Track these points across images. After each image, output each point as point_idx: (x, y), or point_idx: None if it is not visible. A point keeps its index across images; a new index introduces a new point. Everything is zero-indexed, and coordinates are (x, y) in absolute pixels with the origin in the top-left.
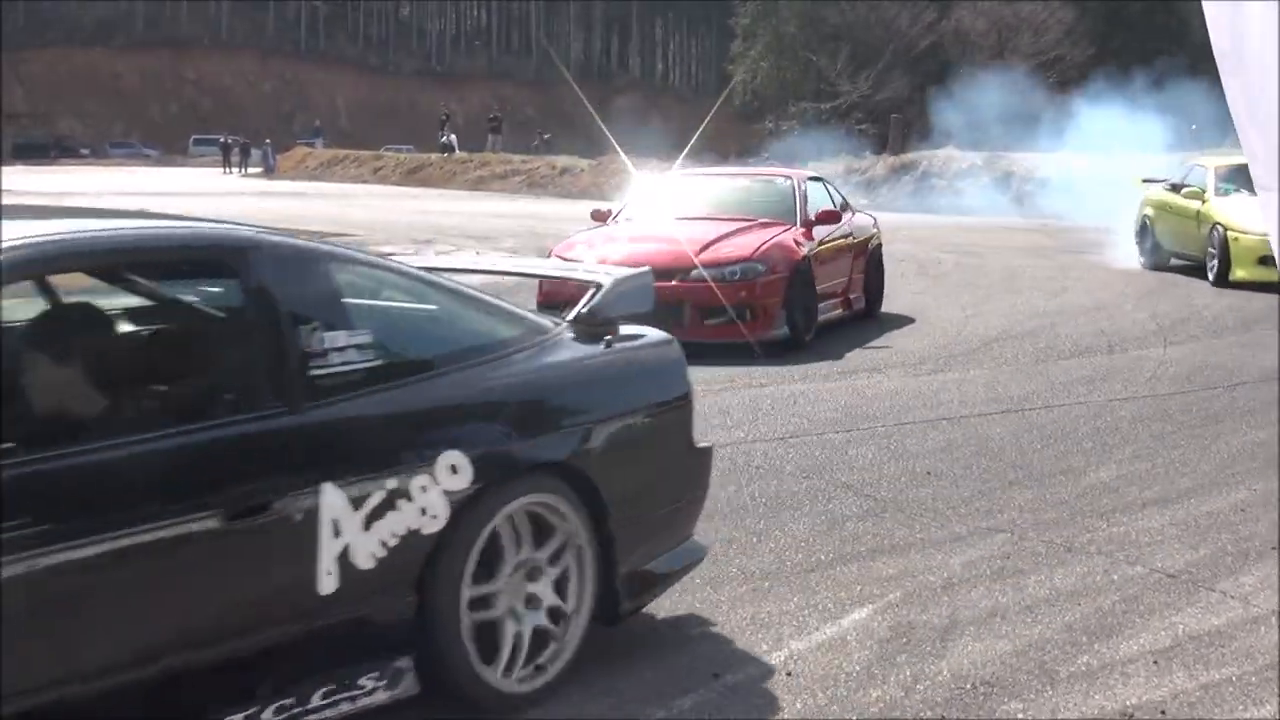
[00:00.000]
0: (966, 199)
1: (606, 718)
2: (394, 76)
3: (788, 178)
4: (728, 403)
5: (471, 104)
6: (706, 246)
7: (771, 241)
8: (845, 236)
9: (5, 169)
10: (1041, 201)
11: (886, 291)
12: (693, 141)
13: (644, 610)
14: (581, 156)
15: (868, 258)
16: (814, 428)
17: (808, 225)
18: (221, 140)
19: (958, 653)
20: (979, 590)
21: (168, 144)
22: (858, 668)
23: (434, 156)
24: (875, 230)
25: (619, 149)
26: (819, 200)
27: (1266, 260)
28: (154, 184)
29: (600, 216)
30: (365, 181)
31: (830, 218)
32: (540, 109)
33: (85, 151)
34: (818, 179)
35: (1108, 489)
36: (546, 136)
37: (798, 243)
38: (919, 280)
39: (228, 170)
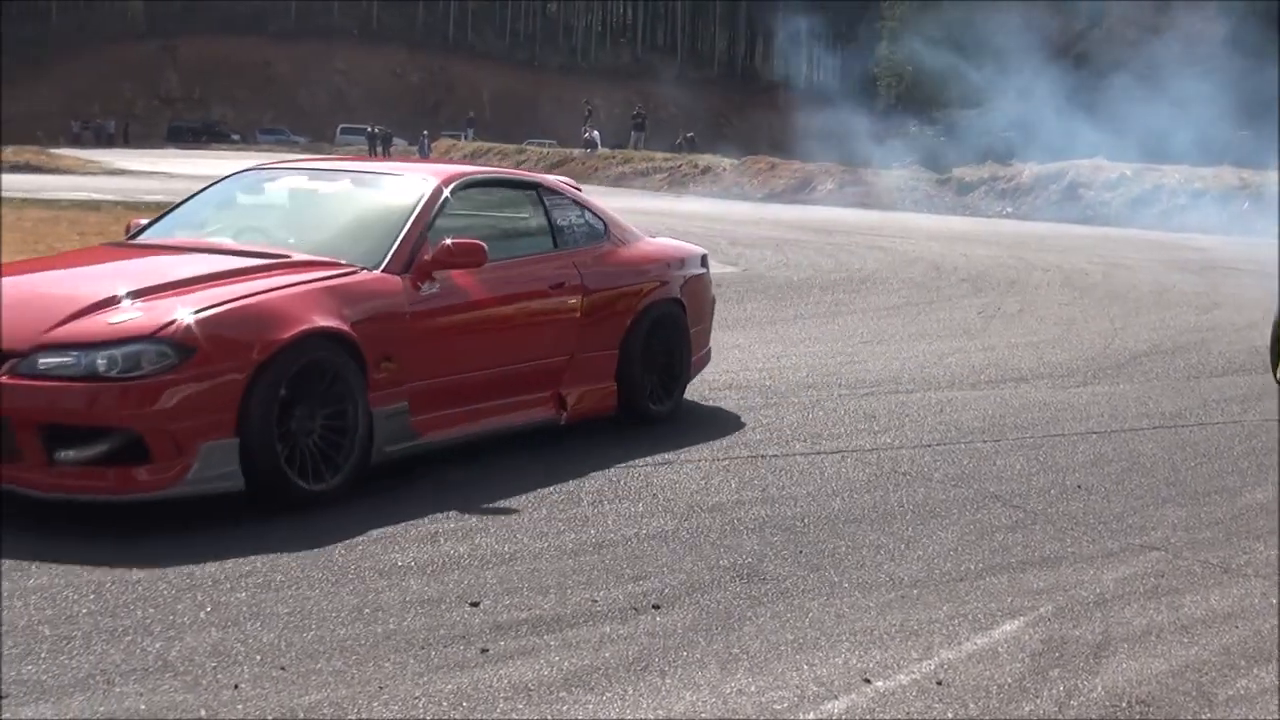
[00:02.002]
0: (1113, 210)
1: (754, 719)
2: (539, 72)
3: (411, 177)
4: (873, 408)
5: (615, 101)
6: (95, 308)
7: (245, 301)
8: (559, 286)
9: (158, 152)
10: (1193, 217)
11: (1032, 306)
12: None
13: (790, 611)
14: (725, 156)
15: (639, 320)
16: (961, 436)
17: (419, 269)
18: (369, 130)
19: (1112, 670)
20: (1133, 608)
21: (315, 132)
22: (1010, 680)
23: (576, 152)
24: (678, 274)
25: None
26: (514, 224)
27: None
28: None
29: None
30: None
31: (464, 256)
32: (684, 107)
33: (235, 137)
34: (531, 186)
35: (1264, 510)
36: (690, 135)
37: (347, 299)
38: (1065, 291)
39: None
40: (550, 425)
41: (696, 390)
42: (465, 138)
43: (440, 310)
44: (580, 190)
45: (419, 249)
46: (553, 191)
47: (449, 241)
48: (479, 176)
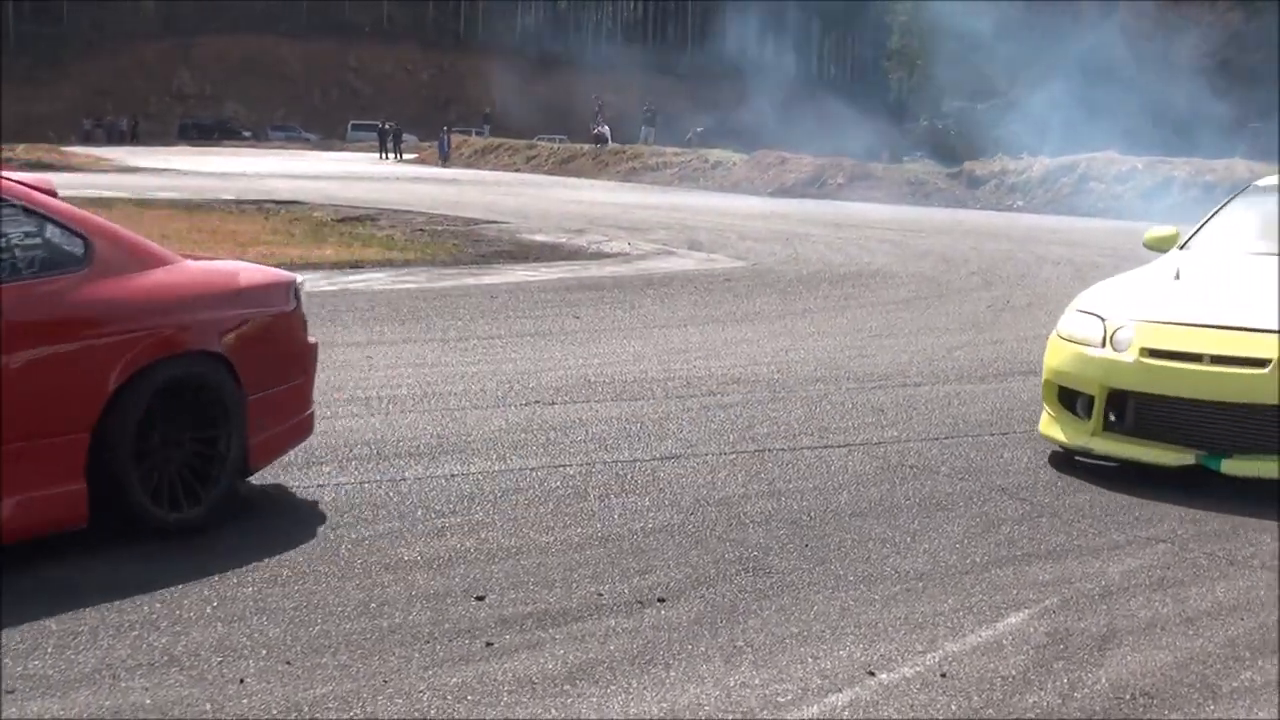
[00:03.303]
0: (1125, 203)
1: (756, 713)
2: (548, 67)
3: None
4: (881, 401)
5: (626, 96)
6: None
7: None
8: None
9: (170, 149)
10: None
11: (1042, 299)
12: None
13: (795, 604)
14: (734, 151)
15: (132, 388)
16: (969, 429)
17: None
18: (380, 126)
19: (1116, 662)
20: (1138, 600)
21: (327, 129)
22: (1014, 672)
23: (586, 147)
24: (218, 316)
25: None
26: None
27: None
28: (314, 168)
29: None
30: (518, 170)
31: None
32: (694, 102)
33: (247, 134)
34: None
35: (1272, 503)
36: (700, 129)
37: None
38: (1076, 285)
39: (384, 156)
40: None
41: (705, 385)
42: (480, 134)
43: None
44: (54, 194)
45: None
46: None
47: None
48: None
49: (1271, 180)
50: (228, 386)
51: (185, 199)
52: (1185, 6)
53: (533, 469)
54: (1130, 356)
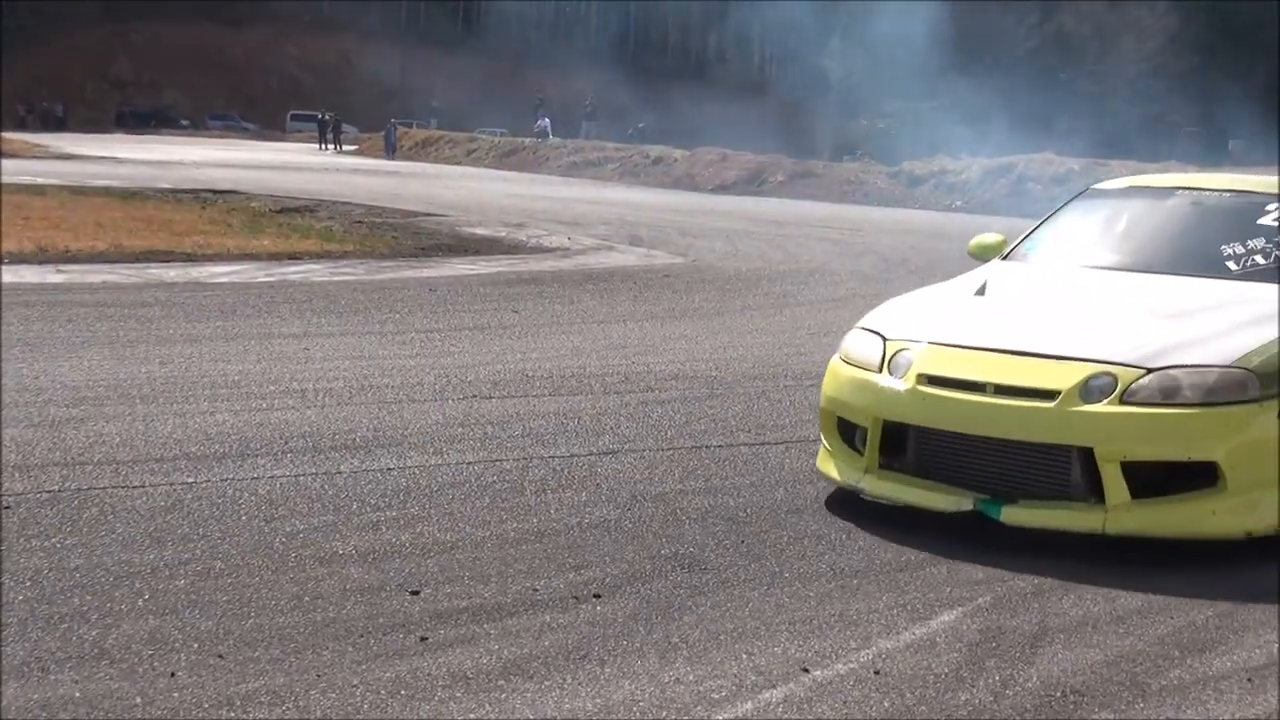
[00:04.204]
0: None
1: (690, 710)
2: (491, 60)
3: None
4: (818, 399)
5: (567, 90)
6: None
7: None
8: None
9: (106, 137)
10: None
11: None
12: None
13: (731, 601)
14: (676, 146)
15: None
16: None
17: None
18: (319, 117)
19: (1047, 660)
20: (1070, 598)
21: (266, 119)
22: (947, 670)
23: (527, 141)
24: None
25: None
26: None
27: None
28: (252, 158)
29: None
30: (459, 163)
31: None
32: (636, 97)
33: (185, 123)
34: None
35: None
36: (641, 125)
37: None
38: None
39: (323, 147)
40: None
41: (643, 381)
42: (426, 125)
43: None
44: None
45: None
46: None
47: None
48: None
49: (1112, 183)
50: None
51: (121, 187)
52: (1123, 9)
53: (469, 463)
54: (906, 384)
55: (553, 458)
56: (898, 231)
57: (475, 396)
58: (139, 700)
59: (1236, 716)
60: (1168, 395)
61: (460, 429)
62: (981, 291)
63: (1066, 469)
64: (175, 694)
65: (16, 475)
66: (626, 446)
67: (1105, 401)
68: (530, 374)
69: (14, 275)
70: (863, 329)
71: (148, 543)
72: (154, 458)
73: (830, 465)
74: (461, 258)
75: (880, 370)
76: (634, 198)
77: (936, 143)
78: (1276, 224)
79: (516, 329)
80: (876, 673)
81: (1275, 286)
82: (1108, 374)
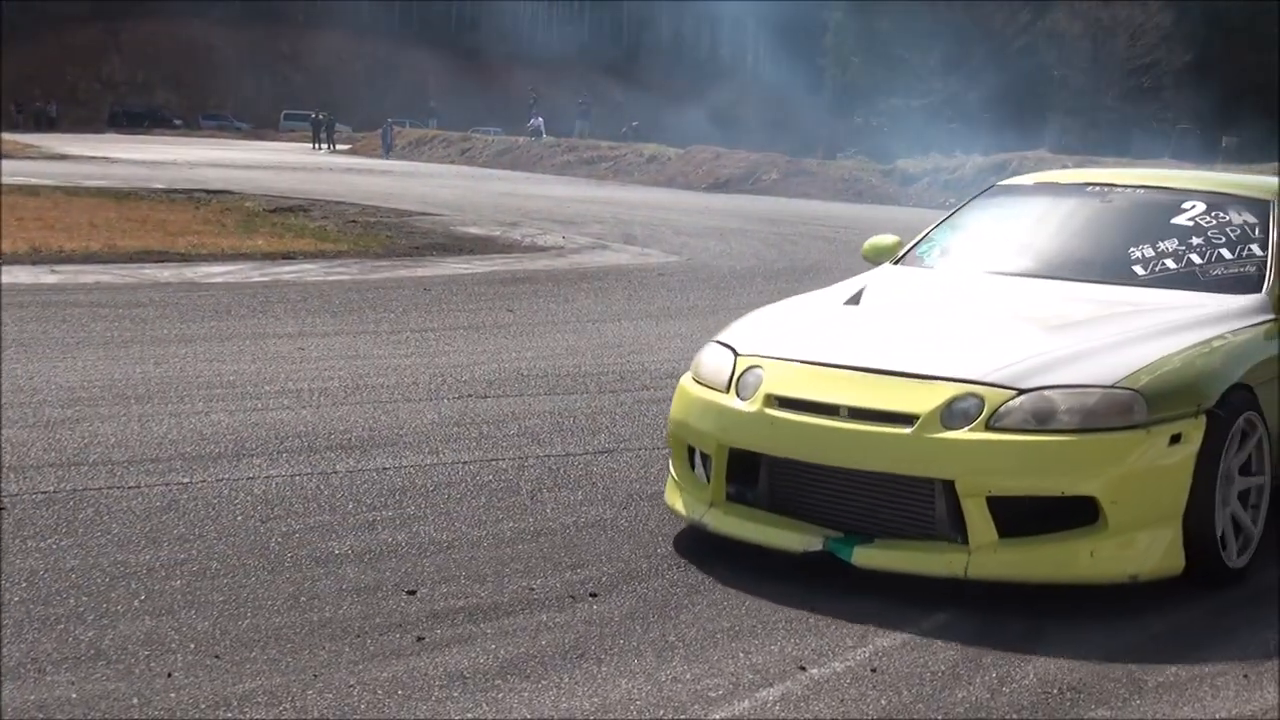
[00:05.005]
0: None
1: (687, 708)
2: (484, 59)
3: None
4: None
5: (561, 88)
6: None
7: None
8: None
9: (99, 137)
10: None
11: None
12: None
13: (727, 599)
14: (669, 144)
15: None
16: None
17: None
18: (313, 116)
19: (1044, 657)
20: (1066, 596)
21: (259, 118)
22: (943, 667)
23: (521, 139)
24: None
25: None
26: None
27: None
28: (246, 158)
29: None
30: (453, 162)
31: None
32: (630, 95)
33: (178, 122)
34: None
35: None
36: (635, 124)
37: None
38: None
39: (317, 146)
40: None
41: (638, 380)
42: (425, 125)
43: None
44: None
45: None
46: None
47: None
48: None
49: (1020, 179)
50: None
51: (114, 187)
52: (1116, 6)
53: (465, 463)
54: (753, 406)
55: (548, 457)
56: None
57: (470, 396)
58: (136, 701)
59: (1233, 712)
60: (1041, 419)
61: (456, 428)
62: (856, 300)
63: (930, 504)
64: (172, 694)
65: (11, 476)
66: (622, 445)
67: (968, 427)
68: (525, 373)
69: (8, 276)
70: (716, 342)
71: (144, 543)
72: (149, 458)
73: (677, 498)
74: (456, 257)
75: (728, 390)
76: (628, 196)
77: (929, 141)
78: (1192, 223)
79: (511, 328)
80: (873, 670)
81: (1183, 294)
82: (974, 395)
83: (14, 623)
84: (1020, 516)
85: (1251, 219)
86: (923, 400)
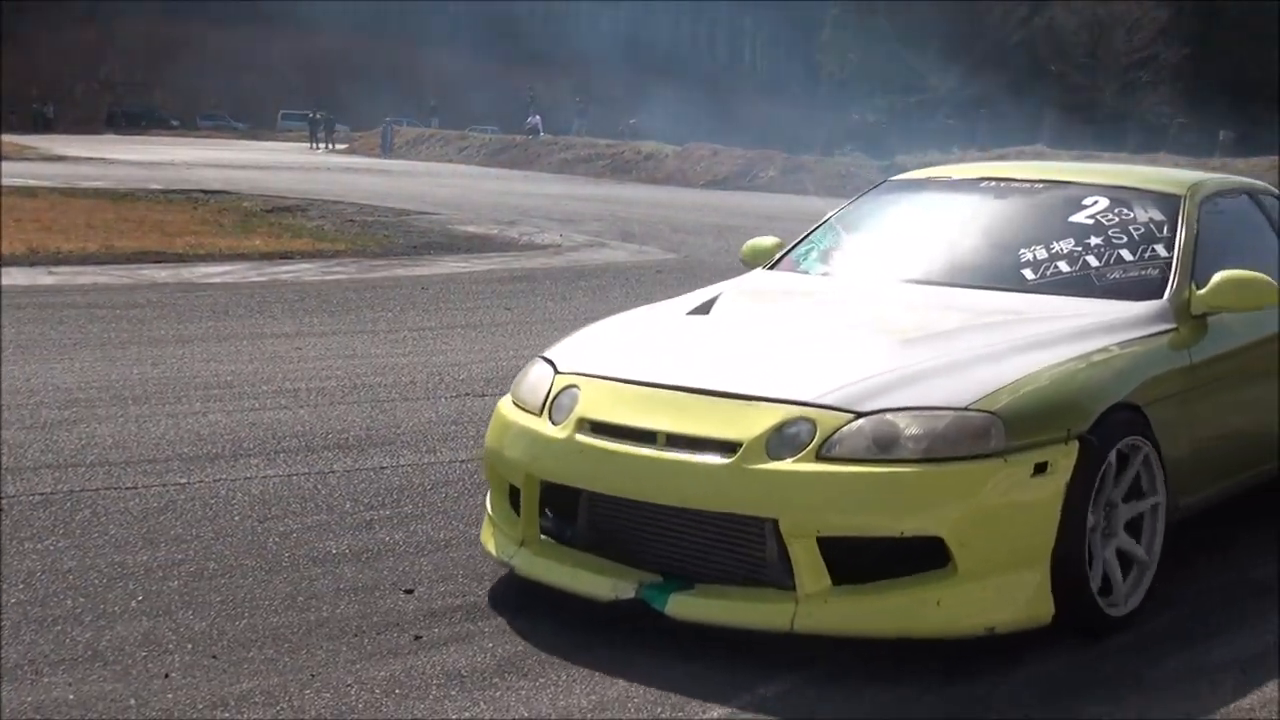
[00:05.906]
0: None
1: (685, 705)
2: (482, 57)
3: None
4: None
5: (558, 87)
6: None
7: None
8: None
9: (97, 138)
10: None
11: None
12: None
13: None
14: (667, 143)
15: None
16: None
17: None
18: (310, 115)
19: (1043, 652)
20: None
21: (256, 118)
22: (942, 662)
23: (519, 138)
24: None
25: None
26: None
27: None
28: (243, 158)
29: None
30: (450, 161)
31: None
32: (628, 93)
33: (175, 123)
34: None
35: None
36: (633, 121)
37: None
38: None
39: (314, 146)
40: None
41: None
42: (427, 125)
43: None
44: None
45: None
46: None
47: None
48: None
49: (911, 175)
50: None
51: (112, 188)
52: (1113, 3)
53: (462, 461)
54: (564, 432)
55: None
56: None
57: (468, 394)
58: (133, 702)
59: (1232, 706)
60: (883, 447)
61: (453, 427)
62: (705, 309)
63: (761, 545)
64: (169, 695)
65: (9, 477)
66: None
67: (796, 457)
68: None
69: (6, 277)
70: (540, 357)
71: (141, 544)
72: (147, 459)
73: (490, 537)
74: (454, 255)
75: (541, 413)
76: (626, 194)
77: (927, 137)
78: (1092, 221)
79: (509, 326)
80: (871, 664)
81: (1073, 300)
82: (805, 419)
83: (11, 624)
84: (859, 560)
85: (1159, 216)
86: (748, 425)
